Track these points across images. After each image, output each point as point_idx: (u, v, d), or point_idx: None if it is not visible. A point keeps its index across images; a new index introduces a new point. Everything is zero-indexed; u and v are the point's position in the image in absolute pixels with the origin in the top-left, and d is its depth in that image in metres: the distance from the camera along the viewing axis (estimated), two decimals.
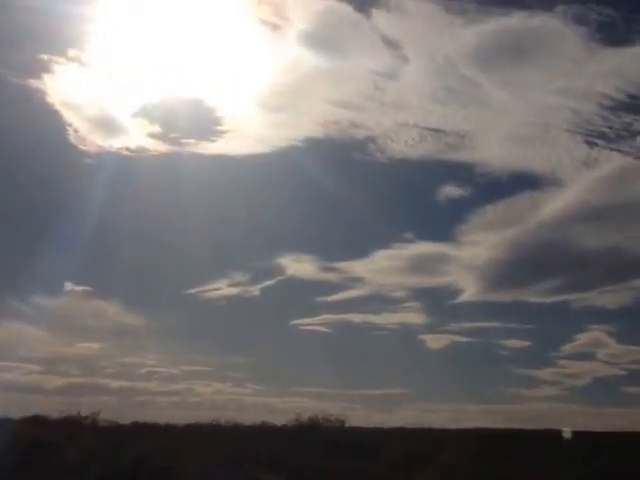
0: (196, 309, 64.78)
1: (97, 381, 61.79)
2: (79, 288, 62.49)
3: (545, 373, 61.90)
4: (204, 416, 49.01)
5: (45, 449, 33.34)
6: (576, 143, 58.45)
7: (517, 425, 49.62)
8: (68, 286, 62.09)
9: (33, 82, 58.62)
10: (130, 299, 62.93)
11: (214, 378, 64.02)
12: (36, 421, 42.53)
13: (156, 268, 65.42)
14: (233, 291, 64.93)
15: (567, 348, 61.58)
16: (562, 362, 61.41)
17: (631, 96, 55.57)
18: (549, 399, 60.56)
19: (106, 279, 63.66)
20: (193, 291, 63.93)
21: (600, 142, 57.41)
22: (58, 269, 60.58)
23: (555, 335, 62.70)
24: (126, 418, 47.20)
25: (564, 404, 60.02)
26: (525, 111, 59.76)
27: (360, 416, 59.93)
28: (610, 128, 56.57)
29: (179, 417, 47.18)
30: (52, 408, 45.76)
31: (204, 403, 61.84)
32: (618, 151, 57.28)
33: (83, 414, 43.66)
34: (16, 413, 44.25)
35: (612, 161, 57.95)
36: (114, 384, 60.58)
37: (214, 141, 60.00)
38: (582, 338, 61.14)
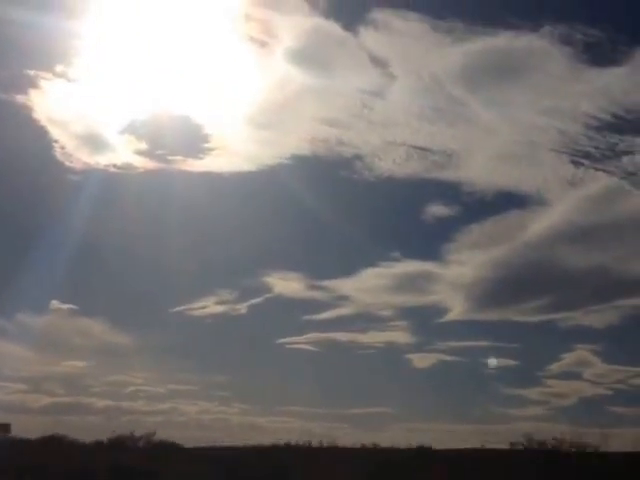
0: (183, 327, 64.45)
1: (83, 400, 61.39)
2: (65, 306, 62.19)
3: (532, 392, 61.57)
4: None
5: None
6: (562, 163, 58.62)
7: (504, 445, 49.32)
8: (54, 304, 61.75)
9: (19, 98, 58.54)
10: (116, 317, 62.69)
11: (200, 397, 63.50)
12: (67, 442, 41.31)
13: (142, 286, 65.06)
14: (220, 309, 64.57)
15: (553, 367, 61.42)
16: (549, 381, 61.23)
17: (616, 116, 55.90)
18: (535, 419, 60.31)
19: (92, 297, 63.43)
20: (179, 309, 63.67)
21: (586, 162, 57.62)
22: (43, 287, 60.48)
23: (541, 354, 62.49)
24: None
25: (550, 424, 59.79)
26: (511, 130, 60.01)
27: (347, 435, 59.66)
28: (596, 148, 56.84)
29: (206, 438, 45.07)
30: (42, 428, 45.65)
31: (190, 422, 61.24)
32: (604, 171, 57.50)
33: (137, 434, 41.54)
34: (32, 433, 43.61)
35: (598, 181, 58.10)
36: (100, 403, 60.30)
37: (201, 158, 59.91)
38: (568, 357, 61.01)
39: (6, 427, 43.55)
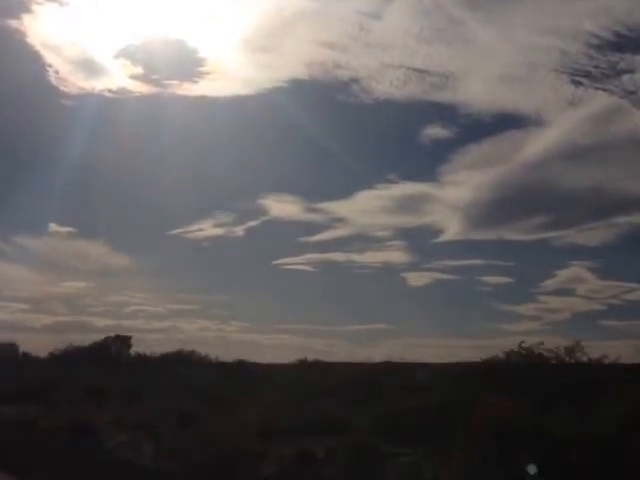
0: (181, 249, 62.94)
1: (84, 319, 61.43)
2: (63, 229, 62.08)
3: (526, 308, 62.25)
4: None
5: None
6: (562, 82, 57.87)
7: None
8: (52, 227, 61.78)
9: (12, 22, 56.83)
10: (114, 240, 61.40)
11: (199, 316, 63.20)
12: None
13: (140, 209, 64.00)
14: (217, 231, 63.13)
15: (548, 284, 62.40)
16: (542, 298, 62.10)
17: (618, 34, 55.12)
18: (530, 334, 61.71)
19: (90, 220, 63.24)
20: (177, 231, 63.03)
21: (586, 81, 57.21)
22: (41, 211, 60.43)
23: (536, 271, 63.51)
24: None
25: (544, 338, 61.16)
26: (511, 51, 58.55)
27: (344, 351, 61.01)
28: (596, 67, 56.26)
29: None
30: None
31: (190, 340, 62.44)
32: (604, 90, 57.10)
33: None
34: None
35: (597, 100, 57.84)
36: (100, 322, 60.10)
37: (197, 82, 59.19)
38: (562, 274, 61.84)
39: (126, 340, 41.94)
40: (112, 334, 42.81)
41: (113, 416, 21.79)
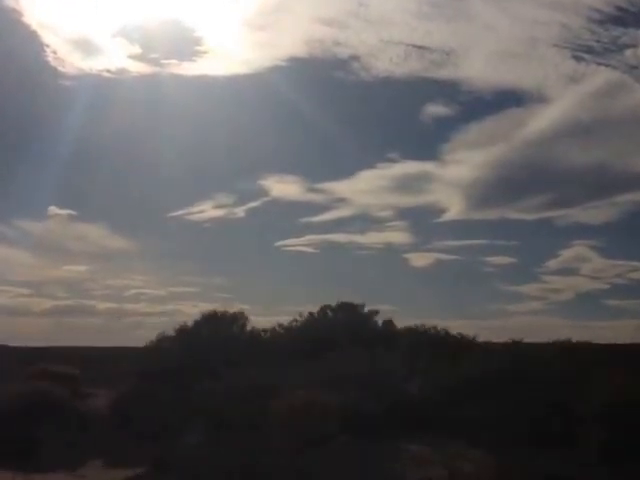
0: (181, 231, 63.66)
1: (85, 303, 62.16)
2: (63, 212, 61.89)
3: (529, 288, 62.47)
4: None
5: None
6: (563, 58, 57.73)
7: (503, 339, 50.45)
8: (52, 210, 61.54)
9: (9, 2, 56.55)
10: (115, 222, 62.35)
11: (201, 299, 63.03)
12: None
13: (140, 191, 64.13)
14: (218, 213, 63.74)
15: (551, 264, 62.35)
16: (546, 277, 62.17)
17: (620, 9, 54.70)
18: (533, 314, 61.50)
19: (90, 203, 63.10)
20: (178, 213, 63.17)
21: (587, 56, 56.80)
22: (41, 193, 60.48)
23: (539, 251, 63.73)
24: None
25: (548, 318, 61.06)
26: (511, 26, 58.70)
27: None
28: (598, 42, 55.86)
29: None
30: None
31: None
32: (606, 65, 56.77)
33: None
34: None
35: (599, 76, 57.46)
36: (102, 306, 61.06)
37: (195, 61, 58.56)
38: (566, 254, 61.89)
39: (356, 307, 32.47)
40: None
41: None
